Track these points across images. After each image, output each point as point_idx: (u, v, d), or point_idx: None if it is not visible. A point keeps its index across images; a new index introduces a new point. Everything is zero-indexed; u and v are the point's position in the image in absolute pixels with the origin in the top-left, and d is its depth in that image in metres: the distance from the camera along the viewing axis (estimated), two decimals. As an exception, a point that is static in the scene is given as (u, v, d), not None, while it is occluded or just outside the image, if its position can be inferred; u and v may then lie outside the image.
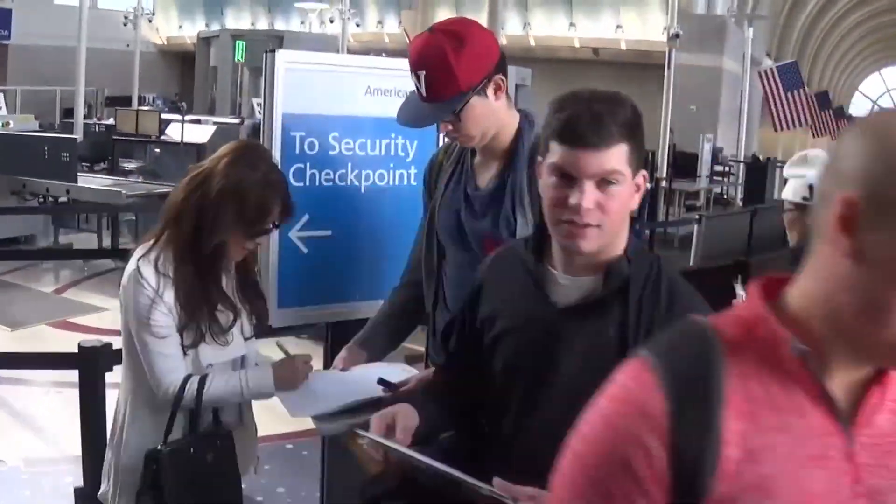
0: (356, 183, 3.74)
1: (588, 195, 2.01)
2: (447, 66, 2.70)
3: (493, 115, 2.82)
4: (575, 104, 2.06)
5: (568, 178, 2.03)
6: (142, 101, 26.37)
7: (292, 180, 3.57)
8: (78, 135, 16.04)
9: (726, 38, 26.60)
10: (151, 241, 2.89)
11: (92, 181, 12.70)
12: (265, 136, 3.58)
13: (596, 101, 2.05)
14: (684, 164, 20.38)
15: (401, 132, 3.78)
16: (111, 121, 19.38)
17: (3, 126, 12.62)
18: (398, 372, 2.97)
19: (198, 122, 15.18)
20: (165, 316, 2.83)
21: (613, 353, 1.94)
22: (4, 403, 6.90)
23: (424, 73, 2.75)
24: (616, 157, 2.02)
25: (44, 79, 26.70)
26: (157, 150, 14.98)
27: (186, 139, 13.75)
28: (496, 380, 2.27)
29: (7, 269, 11.14)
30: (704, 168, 20.09)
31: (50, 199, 12.08)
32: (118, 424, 3.04)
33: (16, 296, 10.26)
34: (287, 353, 3.11)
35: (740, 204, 19.83)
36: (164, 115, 15.67)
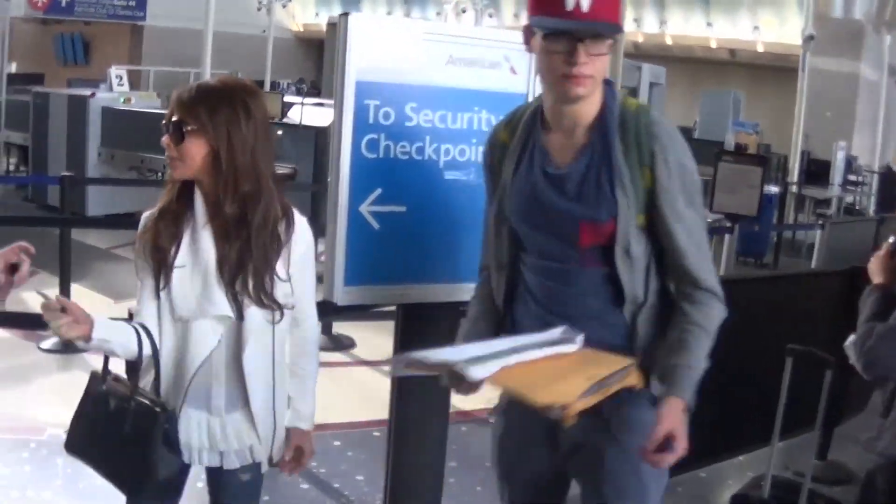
0: (434, 157, 3.50)
1: None
2: None
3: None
4: None
5: None
6: (275, 86, 26.66)
7: (364, 151, 3.39)
8: (202, 114, 16.15)
9: (864, 45, 25.57)
10: None
11: (211, 159, 12.63)
12: (336, 105, 3.39)
13: None
14: (817, 170, 19.80)
15: (485, 106, 3.54)
16: (238, 103, 19.52)
17: (123, 101, 12.68)
18: None
19: (320, 105, 15.10)
20: (141, 259, 2.90)
21: None
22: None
23: None
24: None
25: (178, 61, 27.12)
26: (280, 132, 15.03)
27: (307, 122, 13.65)
28: None
29: (119, 242, 11.29)
30: (837, 176, 19.46)
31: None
32: None
33: (124, 269, 10.32)
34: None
35: (872, 214, 19.13)
36: (286, 98, 15.67)
